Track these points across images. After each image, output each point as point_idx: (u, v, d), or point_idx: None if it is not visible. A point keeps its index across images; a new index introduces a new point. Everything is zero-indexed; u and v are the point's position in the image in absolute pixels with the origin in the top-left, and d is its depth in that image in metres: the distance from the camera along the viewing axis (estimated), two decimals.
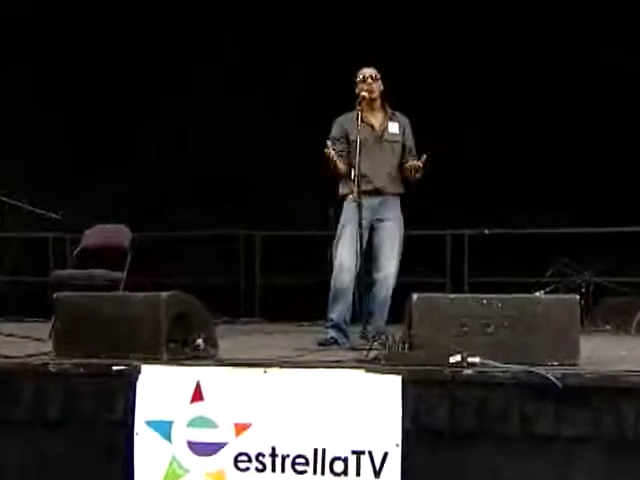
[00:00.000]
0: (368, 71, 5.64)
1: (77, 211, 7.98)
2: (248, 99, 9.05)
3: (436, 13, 8.57)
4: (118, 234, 6.77)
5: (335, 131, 5.68)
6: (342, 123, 5.67)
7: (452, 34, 8.61)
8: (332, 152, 5.40)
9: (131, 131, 9.49)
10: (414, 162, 5.50)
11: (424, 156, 5.44)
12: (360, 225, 5.32)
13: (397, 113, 5.76)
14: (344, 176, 5.54)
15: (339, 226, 5.63)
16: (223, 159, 9.22)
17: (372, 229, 5.57)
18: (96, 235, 6.95)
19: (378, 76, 5.64)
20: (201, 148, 9.37)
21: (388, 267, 5.50)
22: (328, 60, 8.30)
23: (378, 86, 5.64)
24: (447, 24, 8.61)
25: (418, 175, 5.53)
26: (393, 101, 5.79)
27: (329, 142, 5.48)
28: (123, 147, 9.44)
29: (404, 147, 5.70)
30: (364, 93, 5.54)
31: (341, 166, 5.49)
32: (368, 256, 5.46)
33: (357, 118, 5.45)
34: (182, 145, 9.35)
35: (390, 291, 5.50)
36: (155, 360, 4.11)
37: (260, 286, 9.17)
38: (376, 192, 5.57)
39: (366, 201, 5.37)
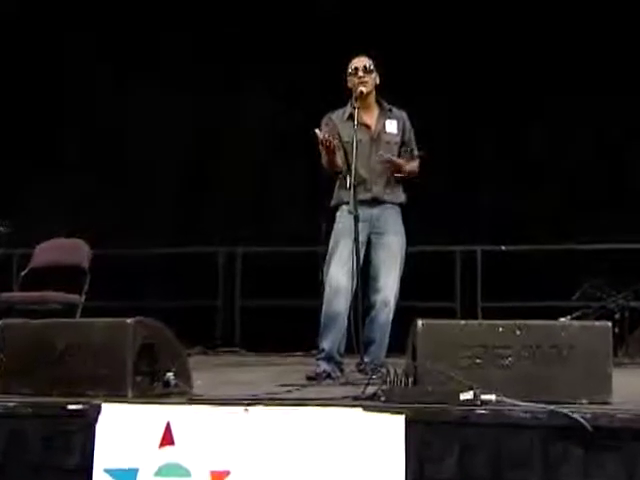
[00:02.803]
0: (361, 62, 5.63)
1: (27, 222, 8.08)
2: (231, 99, 9.16)
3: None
4: (75, 250, 6.77)
5: (326, 130, 5.68)
6: (333, 121, 5.69)
7: (454, 30, 8.76)
8: (329, 136, 5.38)
9: (102, 131, 9.55)
10: (391, 157, 5.52)
11: (412, 154, 5.51)
12: (356, 240, 5.32)
13: (394, 108, 5.76)
14: (338, 171, 5.54)
15: (331, 241, 5.62)
16: (202, 164, 9.29)
17: (369, 244, 5.56)
18: (49, 251, 6.94)
19: (372, 67, 5.62)
20: (179, 152, 9.43)
21: (388, 288, 5.49)
22: (320, 65, 8.48)
23: (372, 79, 5.63)
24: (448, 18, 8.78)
25: (400, 174, 5.55)
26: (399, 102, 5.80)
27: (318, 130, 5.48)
28: (84, 149, 9.50)
29: (402, 146, 5.71)
30: (362, 88, 5.54)
31: (339, 159, 5.48)
32: (365, 276, 5.45)
33: (353, 117, 5.47)
34: (157, 148, 9.40)
35: (391, 316, 5.49)
36: (118, 397, 4.08)
37: (241, 310, 9.17)
38: (373, 201, 5.57)
39: (362, 212, 5.38)
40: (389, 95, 5.72)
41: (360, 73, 5.58)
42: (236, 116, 9.12)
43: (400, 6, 8.78)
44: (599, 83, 8.49)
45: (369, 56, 5.67)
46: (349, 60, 5.66)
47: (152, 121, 9.19)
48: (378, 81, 5.68)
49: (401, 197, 5.71)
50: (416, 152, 5.75)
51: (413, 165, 5.73)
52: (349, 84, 5.64)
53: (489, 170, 9.03)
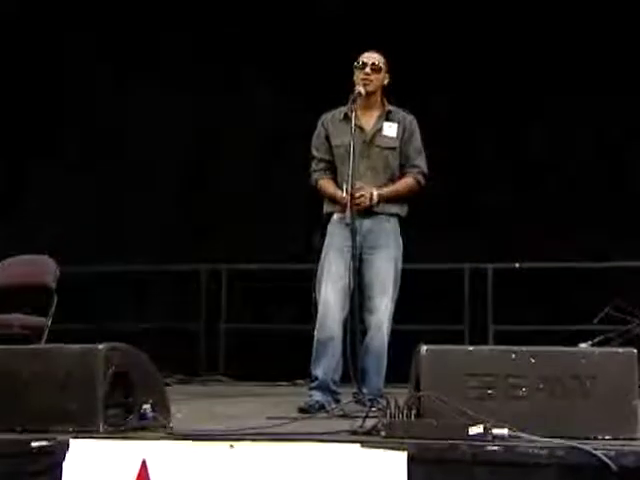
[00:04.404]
0: (371, 57, 5.61)
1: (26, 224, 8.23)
2: (231, 99, 9.37)
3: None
4: (40, 268, 6.75)
5: (316, 137, 5.73)
6: (325, 124, 5.70)
7: (455, 30, 8.92)
8: (329, 189, 5.51)
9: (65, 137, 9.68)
10: (361, 188, 5.43)
11: (374, 194, 5.45)
12: (354, 255, 5.32)
13: (399, 110, 5.71)
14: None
15: (322, 255, 5.61)
16: (202, 164, 9.51)
17: (361, 260, 5.50)
18: (11, 270, 6.92)
19: (381, 64, 5.61)
20: (179, 152, 9.64)
21: (381, 310, 5.46)
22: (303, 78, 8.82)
23: (379, 79, 5.61)
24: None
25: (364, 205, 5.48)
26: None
27: (316, 174, 5.64)
28: (84, 149, 9.74)
29: (402, 154, 5.66)
30: (361, 89, 5.52)
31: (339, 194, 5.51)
32: (360, 295, 5.42)
33: (348, 118, 5.48)
34: (157, 148, 9.53)
35: (385, 339, 5.46)
36: (88, 433, 4.06)
37: (225, 335, 9.15)
38: (365, 212, 5.50)
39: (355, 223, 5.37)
40: (389, 94, 5.73)
41: (367, 70, 5.56)
42: (236, 116, 9.27)
43: (401, 6, 8.92)
44: (599, 83, 8.66)
45: (382, 54, 5.66)
46: (359, 54, 5.65)
47: (152, 121, 9.51)
48: (386, 82, 5.67)
49: (397, 208, 5.65)
50: (417, 162, 5.67)
51: (403, 184, 5.65)
52: (354, 78, 5.61)
53: (489, 171, 9.12)
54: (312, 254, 5.95)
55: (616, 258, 8.31)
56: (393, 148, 5.63)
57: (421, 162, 5.70)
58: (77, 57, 9.75)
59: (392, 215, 5.62)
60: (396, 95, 5.67)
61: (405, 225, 5.67)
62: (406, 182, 5.66)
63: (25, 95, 9.50)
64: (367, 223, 5.52)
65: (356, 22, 8.88)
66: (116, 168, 9.50)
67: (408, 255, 5.69)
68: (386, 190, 5.55)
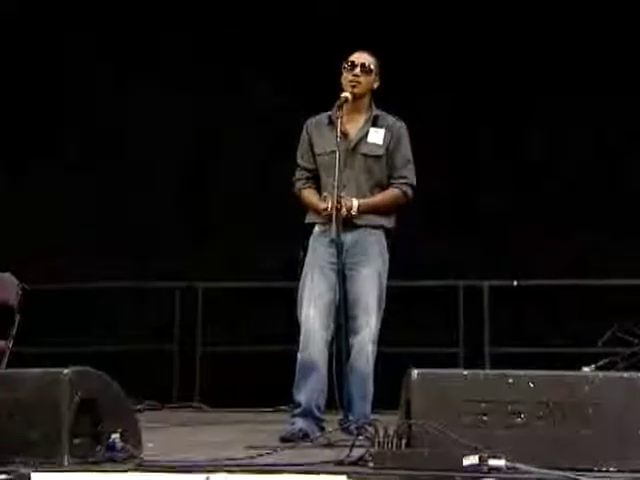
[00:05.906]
0: (361, 58, 5.59)
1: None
2: (231, 99, 9.62)
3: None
4: (1, 286, 6.71)
5: (300, 144, 5.75)
6: (309, 130, 5.72)
7: (454, 30, 9.06)
8: (312, 200, 5.57)
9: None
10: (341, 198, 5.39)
11: (354, 204, 5.44)
12: (339, 271, 5.33)
13: (387, 115, 5.70)
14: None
15: (303, 271, 5.60)
16: (202, 164, 9.76)
17: (344, 275, 5.49)
18: None
19: (372, 67, 5.59)
20: (179, 152, 9.79)
21: (365, 330, 5.44)
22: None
23: (369, 81, 5.60)
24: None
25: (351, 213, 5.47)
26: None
27: (299, 183, 5.68)
28: (85, 149, 9.88)
29: (389, 162, 5.64)
30: (347, 94, 5.50)
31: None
32: (344, 313, 5.41)
33: (334, 125, 5.48)
34: (157, 148, 9.65)
35: (371, 361, 5.45)
36: (52, 465, 4.04)
37: (201, 357, 9.13)
38: (348, 224, 5.47)
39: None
40: (387, 95, 5.71)
41: (356, 70, 5.54)
42: (236, 116, 9.38)
43: (399, 5, 9.03)
44: (599, 83, 8.80)
45: (375, 54, 5.65)
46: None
47: (152, 121, 9.71)
48: (376, 85, 5.65)
49: (383, 219, 5.62)
50: (404, 173, 5.65)
51: (389, 195, 5.65)
52: (342, 79, 5.60)
53: (488, 172, 9.20)
54: (294, 269, 5.94)
55: (617, 264, 8.34)
56: (378, 156, 5.60)
57: (408, 173, 5.67)
58: (77, 57, 10.00)
59: (377, 227, 5.59)
60: (393, 96, 5.65)
61: (391, 238, 5.67)
62: (392, 193, 5.64)
63: (25, 95, 9.75)
64: (350, 236, 5.49)
65: (355, 21, 9.02)
66: (116, 168, 9.69)
67: (401, 267, 5.69)
68: (368, 201, 5.54)
